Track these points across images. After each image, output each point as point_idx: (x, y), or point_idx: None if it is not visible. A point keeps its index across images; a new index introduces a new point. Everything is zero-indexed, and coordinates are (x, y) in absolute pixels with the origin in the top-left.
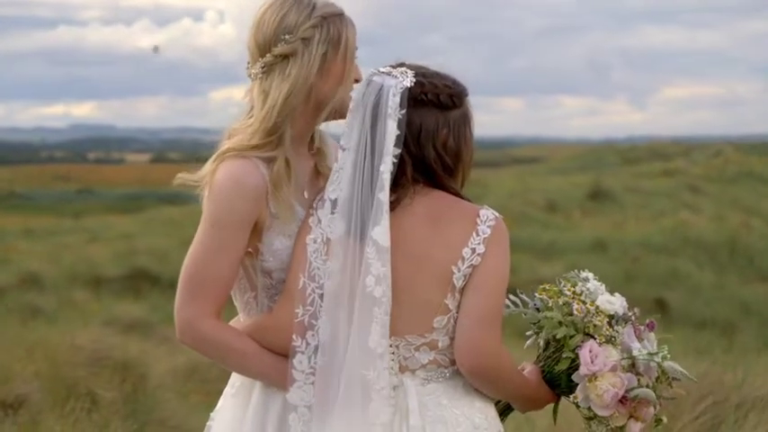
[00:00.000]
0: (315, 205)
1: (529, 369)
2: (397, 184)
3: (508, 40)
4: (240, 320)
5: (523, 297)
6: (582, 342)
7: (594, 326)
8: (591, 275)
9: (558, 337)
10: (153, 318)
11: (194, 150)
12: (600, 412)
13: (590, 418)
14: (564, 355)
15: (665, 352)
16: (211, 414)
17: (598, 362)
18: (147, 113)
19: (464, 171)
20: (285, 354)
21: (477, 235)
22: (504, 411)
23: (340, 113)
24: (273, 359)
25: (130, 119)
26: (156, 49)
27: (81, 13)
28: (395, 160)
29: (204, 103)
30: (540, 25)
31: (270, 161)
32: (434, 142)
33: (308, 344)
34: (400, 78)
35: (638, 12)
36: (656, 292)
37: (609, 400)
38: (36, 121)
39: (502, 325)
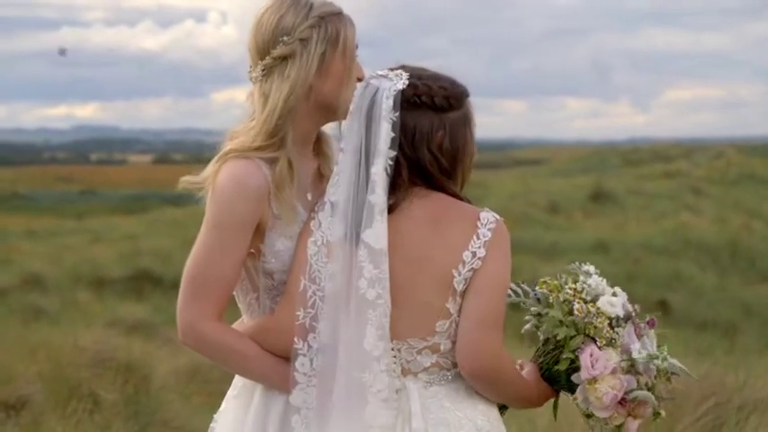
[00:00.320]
0: (316, 208)
1: (528, 369)
2: (394, 186)
3: (510, 42)
4: (244, 322)
5: (524, 287)
6: (582, 344)
7: (595, 327)
8: (593, 269)
9: (558, 338)
10: (156, 319)
11: (197, 151)
12: (599, 414)
13: (588, 416)
14: (564, 356)
15: (665, 353)
16: (214, 416)
17: (598, 366)
18: (151, 114)
19: (464, 173)
20: (287, 356)
21: (478, 238)
22: (501, 407)
23: (345, 113)
24: (275, 362)
25: (134, 120)
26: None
27: (84, 14)
28: (391, 163)
29: (207, 105)
30: (543, 27)
31: (272, 162)
32: (429, 144)
33: (309, 346)
34: (394, 81)
35: (641, 14)
36: (657, 294)
37: (608, 403)
38: (39, 122)
39: (503, 328)
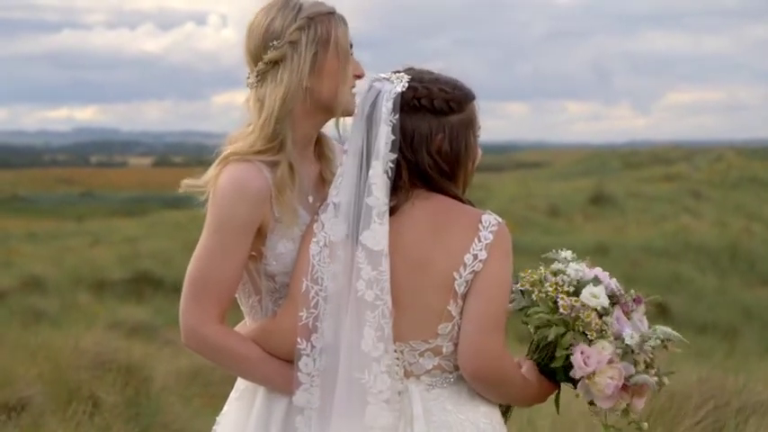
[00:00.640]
0: (319, 210)
1: (526, 366)
2: (395, 188)
3: (512, 45)
4: (246, 324)
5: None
6: (574, 340)
7: (583, 322)
8: (569, 254)
9: (549, 338)
10: (156, 321)
11: (198, 154)
12: (604, 405)
13: (593, 403)
14: (557, 354)
15: (656, 329)
16: (217, 418)
17: (591, 362)
18: (151, 117)
19: (465, 176)
20: (289, 358)
21: (480, 241)
22: (505, 412)
23: (346, 111)
24: (277, 364)
25: (134, 122)
26: None
27: (85, 16)
28: (392, 165)
29: (207, 107)
30: (545, 30)
31: (273, 165)
32: (428, 147)
33: (312, 346)
34: (395, 84)
35: (642, 17)
36: (658, 297)
37: (610, 393)
38: (40, 125)
39: (504, 330)
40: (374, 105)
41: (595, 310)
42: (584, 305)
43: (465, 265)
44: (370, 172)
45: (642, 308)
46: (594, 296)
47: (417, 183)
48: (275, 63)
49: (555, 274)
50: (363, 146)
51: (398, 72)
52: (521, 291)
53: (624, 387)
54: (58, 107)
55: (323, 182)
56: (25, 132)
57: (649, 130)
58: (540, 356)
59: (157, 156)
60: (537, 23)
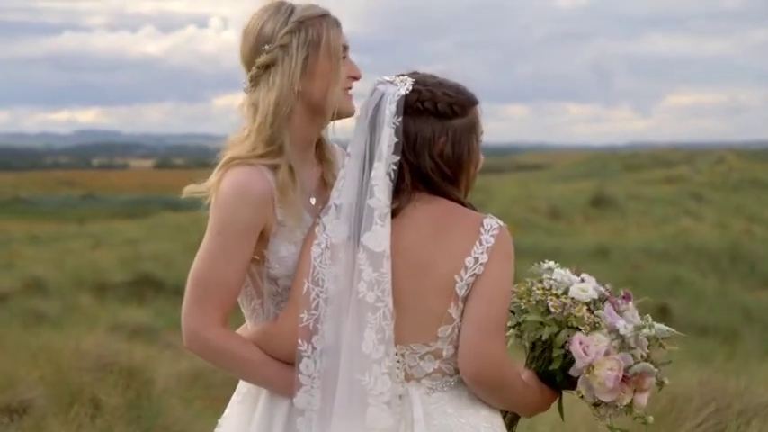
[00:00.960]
0: (321, 213)
1: (526, 375)
2: (398, 191)
3: (513, 47)
4: (247, 327)
5: None
6: (568, 337)
7: (575, 317)
8: (553, 264)
9: (543, 338)
10: (158, 323)
11: (199, 156)
12: (606, 398)
13: (597, 405)
14: (554, 354)
15: (650, 321)
16: (219, 421)
17: (590, 351)
18: (152, 119)
19: (468, 180)
20: (291, 361)
21: (481, 244)
22: (511, 424)
23: (340, 113)
24: (279, 367)
25: (135, 125)
26: None
27: (86, 19)
28: (395, 167)
29: (208, 109)
30: (546, 32)
31: (275, 168)
32: (431, 151)
33: (313, 348)
34: (399, 87)
35: (643, 19)
36: (658, 299)
37: (612, 384)
38: (41, 127)
39: (505, 334)
40: (378, 108)
41: (586, 304)
42: (574, 301)
43: (466, 268)
44: (372, 174)
45: (632, 305)
46: (583, 290)
47: (419, 186)
48: (267, 67)
49: (542, 281)
50: (366, 148)
51: (402, 75)
52: (511, 311)
53: (625, 379)
54: (60, 109)
55: (324, 185)
56: (26, 135)
57: (650, 133)
58: (537, 364)
59: (159, 158)
60: (538, 26)
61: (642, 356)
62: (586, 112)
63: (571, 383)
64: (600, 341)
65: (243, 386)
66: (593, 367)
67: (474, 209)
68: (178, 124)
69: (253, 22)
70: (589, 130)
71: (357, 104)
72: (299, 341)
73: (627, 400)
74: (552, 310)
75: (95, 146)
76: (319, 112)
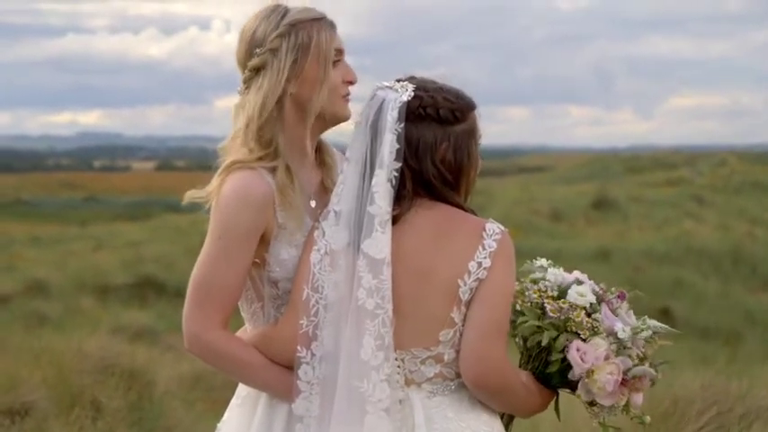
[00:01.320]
0: (320, 218)
1: (524, 377)
2: (399, 197)
3: (514, 49)
4: (247, 330)
5: None
6: (567, 341)
7: (575, 322)
8: (545, 261)
9: (543, 344)
10: (159, 325)
11: (201, 158)
12: (606, 402)
13: (592, 404)
14: (552, 358)
15: (646, 322)
16: (218, 425)
17: (588, 358)
18: (154, 121)
19: (468, 185)
20: (290, 365)
21: (484, 249)
22: (506, 425)
23: (332, 119)
24: (279, 371)
25: (137, 127)
26: None
27: (89, 21)
28: (396, 174)
29: (210, 111)
30: (547, 34)
31: (274, 170)
32: (433, 157)
33: (312, 354)
34: (400, 93)
35: (644, 21)
36: (660, 302)
37: (611, 389)
38: (43, 129)
39: (506, 338)
40: (379, 114)
41: (584, 308)
42: (572, 305)
43: (469, 273)
44: (374, 180)
45: (626, 304)
46: (582, 294)
47: (421, 192)
48: (258, 70)
49: (535, 282)
50: (366, 154)
51: (401, 80)
52: None
53: (623, 382)
54: (62, 111)
55: (324, 189)
56: (29, 137)
57: (652, 135)
58: (533, 365)
59: (161, 160)
60: (539, 28)
61: (638, 355)
62: (588, 114)
63: (568, 384)
64: (599, 346)
65: (242, 390)
66: (592, 372)
67: (474, 213)
68: (180, 126)
69: (248, 25)
70: (590, 133)
71: (354, 108)
72: (299, 347)
73: (624, 402)
74: (550, 314)
75: (97, 148)
76: (311, 115)
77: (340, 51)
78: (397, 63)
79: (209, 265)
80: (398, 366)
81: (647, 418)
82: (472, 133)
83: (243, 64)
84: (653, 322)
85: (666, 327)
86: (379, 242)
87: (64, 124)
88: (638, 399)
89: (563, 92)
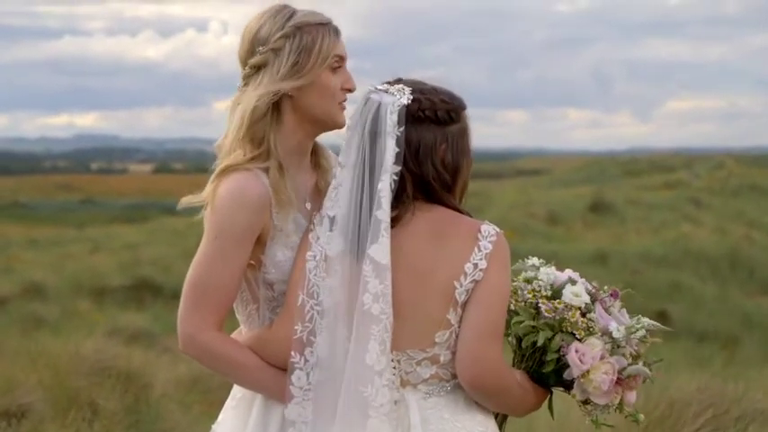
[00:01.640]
0: (314, 221)
1: (518, 376)
2: (397, 200)
3: (512, 52)
4: (242, 332)
5: None
6: (563, 342)
7: (570, 322)
8: (536, 260)
9: (539, 344)
10: (156, 328)
11: (198, 160)
12: (601, 401)
13: (585, 402)
14: (548, 358)
15: (640, 320)
16: (213, 426)
17: (587, 359)
18: (152, 124)
19: (463, 185)
20: (285, 367)
21: (479, 250)
22: (500, 424)
23: (327, 125)
24: (274, 373)
25: (134, 129)
26: None
27: (86, 23)
28: (395, 177)
29: (208, 114)
30: (545, 37)
31: (268, 170)
32: (433, 158)
33: (306, 360)
34: (398, 96)
35: (642, 24)
36: (657, 305)
37: (607, 388)
38: (40, 131)
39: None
40: (376, 118)
41: (579, 308)
42: (567, 305)
43: (466, 275)
44: (379, 185)
45: (618, 302)
46: (576, 295)
47: (419, 195)
48: (258, 68)
49: (528, 281)
50: (365, 158)
51: (390, 83)
52: None
53: (618, 381)
54: (59, 114)
55: (319, 192)
56: (26, 139)
57: (649, 138)
58: (527, 365)
59: (158, 162)
60: (537, 31)
61: (632, 354)
62: (586, 117)
63: (563, 384)
64: (595, 346)
65: (237, 391)
66: (588, 372)
67: (469, 215)
68: (177, 128)
69: (252, 23)
70: (588, 136)
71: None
72: (292, 353)
73: (618, 400)
74: (545, 314)
75: (94, 150)
76: (308, 118)
77: (342, 58)
78: (397, 65)
79: (204, 266)
80: (394, 368)
81: (641, 416)
82: (465, 132)
83: (244, 61)
84: (646, 320)
85: (660, 325)
86: (386, 247)
87: (61, 126)
88: (632, 397)
89: (561, 95)
